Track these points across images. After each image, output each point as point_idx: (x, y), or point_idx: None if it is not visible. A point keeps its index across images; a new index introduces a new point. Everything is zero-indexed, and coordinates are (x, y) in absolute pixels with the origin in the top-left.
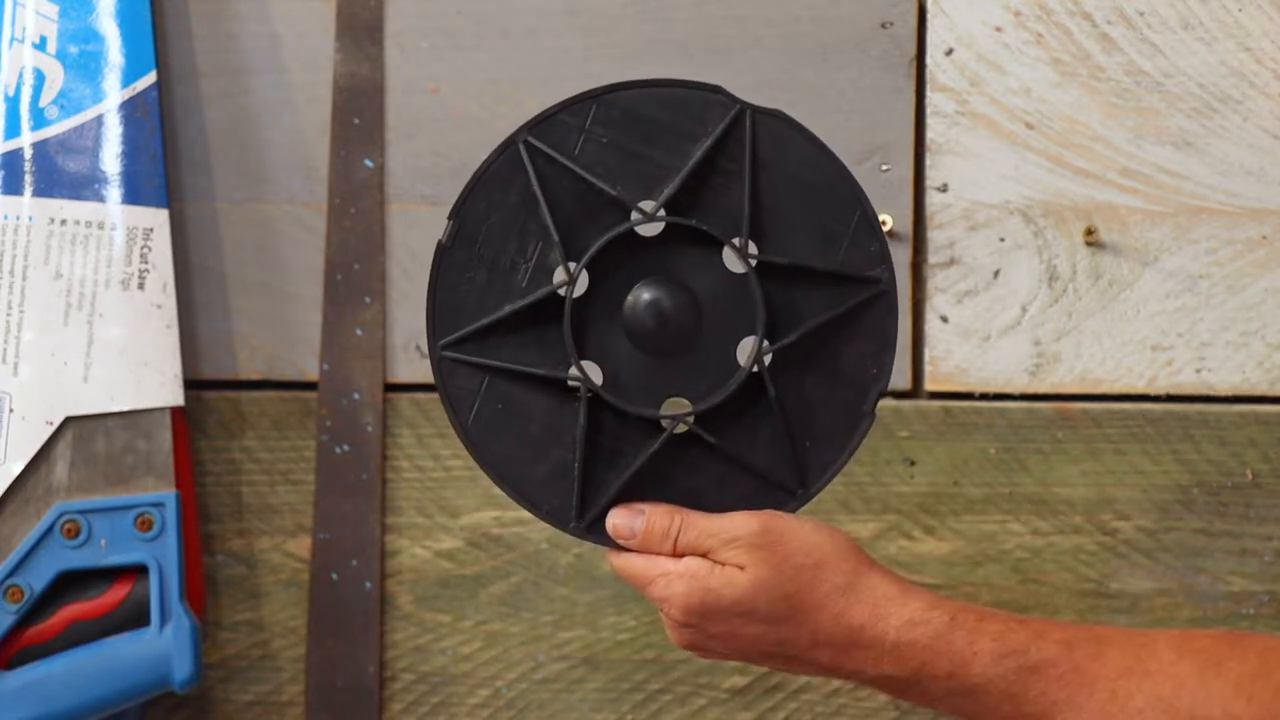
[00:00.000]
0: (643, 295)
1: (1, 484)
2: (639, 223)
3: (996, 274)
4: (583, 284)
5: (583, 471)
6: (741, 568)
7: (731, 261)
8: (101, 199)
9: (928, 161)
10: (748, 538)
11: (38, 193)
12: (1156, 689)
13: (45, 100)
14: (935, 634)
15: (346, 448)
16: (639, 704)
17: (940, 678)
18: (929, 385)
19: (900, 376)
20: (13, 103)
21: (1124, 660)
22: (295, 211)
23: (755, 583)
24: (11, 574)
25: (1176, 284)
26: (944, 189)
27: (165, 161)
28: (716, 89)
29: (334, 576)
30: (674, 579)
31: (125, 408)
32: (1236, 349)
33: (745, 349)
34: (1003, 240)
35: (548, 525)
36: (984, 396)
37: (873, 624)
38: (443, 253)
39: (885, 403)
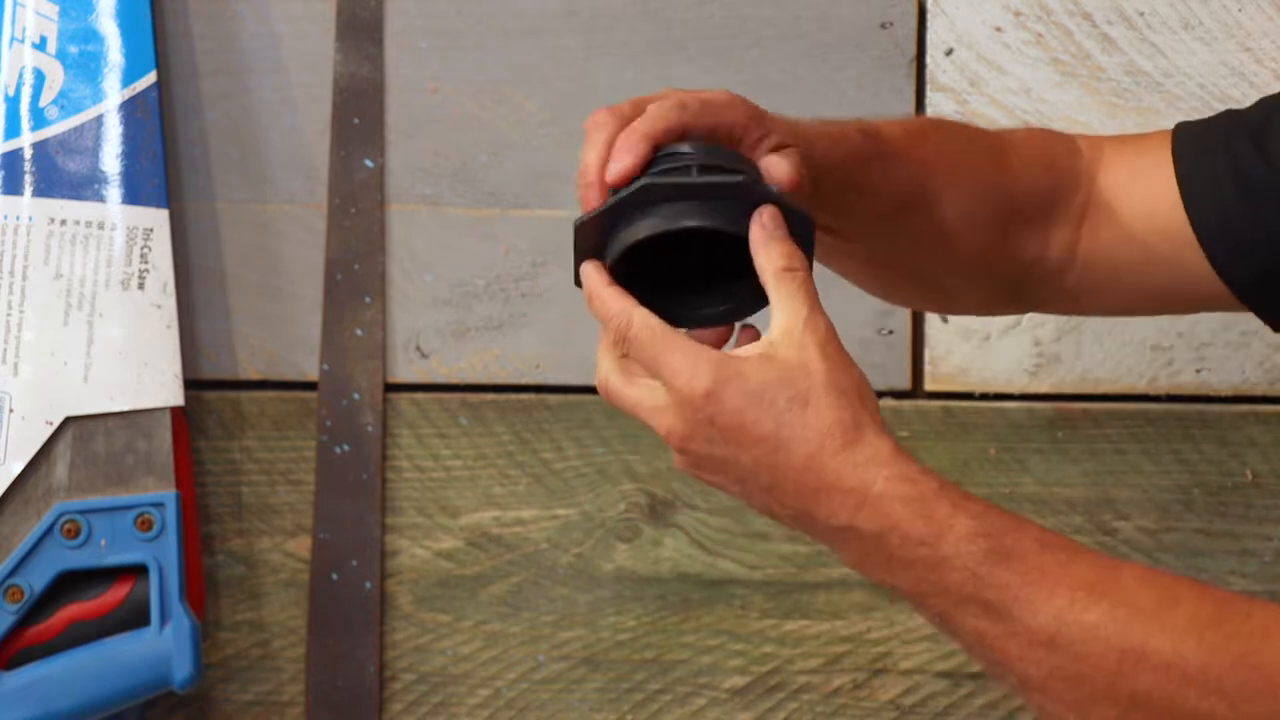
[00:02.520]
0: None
1: (1, 484)
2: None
3: None
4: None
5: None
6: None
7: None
8: (101, 199)
9: None
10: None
11: (38, 193)
12: (1113, 608)
13: (45, 100)
14: (920, 496)
15: (346, 448)
16: (639, 704)
17: (912, 542)
18: (929, 385)
19: (900, 376)
20: (13, 103)
21: (1089, 575)
22: (295, 211)
23: (783, 374)
24: (11, 574)
25: None
26: None
27: (165, 161)
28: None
29: (334, 576)
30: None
31: (125, 408)
32: (1236, 349)
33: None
34: None
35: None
36: (984, 396)
37: (864, 469)
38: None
39: (885, 403)
